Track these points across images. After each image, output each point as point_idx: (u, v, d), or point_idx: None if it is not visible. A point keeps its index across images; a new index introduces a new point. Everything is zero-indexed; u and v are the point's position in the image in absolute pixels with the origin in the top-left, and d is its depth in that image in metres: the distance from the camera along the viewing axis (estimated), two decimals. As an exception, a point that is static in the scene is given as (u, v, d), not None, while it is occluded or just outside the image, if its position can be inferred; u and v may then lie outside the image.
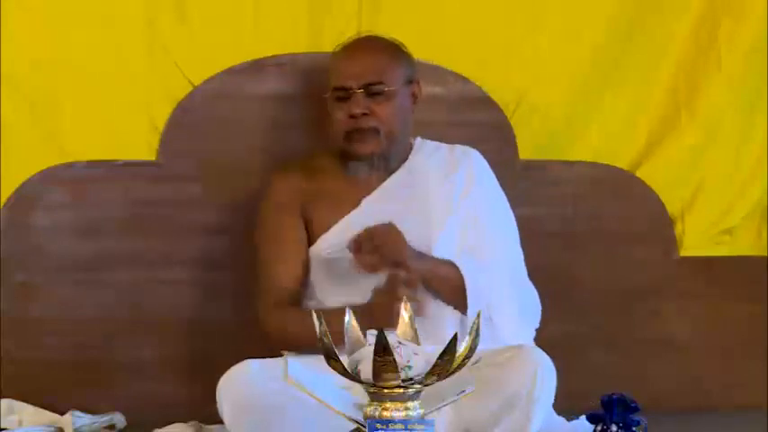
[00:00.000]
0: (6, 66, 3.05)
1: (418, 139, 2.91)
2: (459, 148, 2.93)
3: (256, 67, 3.12)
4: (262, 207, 2.87)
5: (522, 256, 2.88)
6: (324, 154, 2.90)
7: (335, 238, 2.76)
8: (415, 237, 2.73)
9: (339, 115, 2.79)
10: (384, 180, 2.83)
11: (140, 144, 3.12)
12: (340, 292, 2.72)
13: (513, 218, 2.91)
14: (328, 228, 2.78)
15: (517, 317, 2.76)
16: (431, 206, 2.80)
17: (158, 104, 3.11)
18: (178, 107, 3.10)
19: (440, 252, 2.75)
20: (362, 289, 2.68)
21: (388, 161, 2.83)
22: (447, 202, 2.81)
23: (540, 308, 2.84)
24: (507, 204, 2.92)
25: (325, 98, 2.83)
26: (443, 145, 2.92)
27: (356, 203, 2.80)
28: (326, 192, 2.83)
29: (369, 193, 2.81)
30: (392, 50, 2.85)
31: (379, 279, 2.67)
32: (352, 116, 2.77)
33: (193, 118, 3.11)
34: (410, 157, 2.87)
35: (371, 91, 2.78)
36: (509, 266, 2.84)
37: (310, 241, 2.81)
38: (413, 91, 2.85)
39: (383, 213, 2.76)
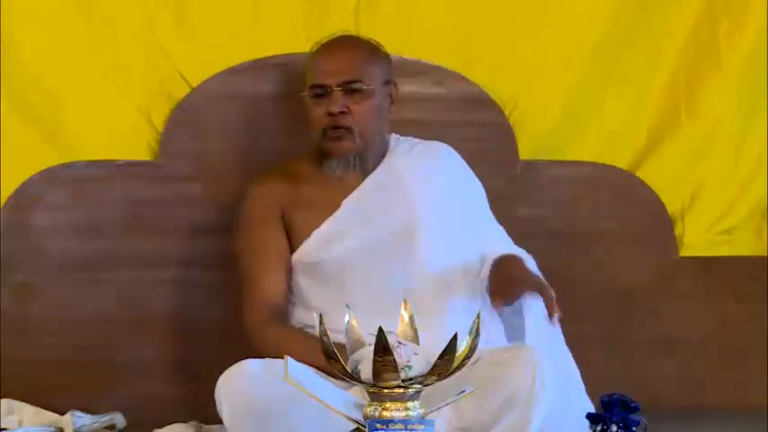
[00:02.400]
0: (6, 66, 3.05)
1: (393, 137, 2.91)
2: (432, 144, 2.92)
3: (255, 67, 3.12)
4: (241, 220, 2.86)
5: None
6: (301, 158, 2.89)
7: (318, 242, 2.76)
8: (397, 236, 2.75)
9: (317, 113, 2.78)
10: (360, 180, 2.82)
11: (140, 144, 3.12)
12: (324, 294, 2.73)
13: (488, 206, 2.93)
14: (310, 232, 2.78)
15: None
16: (412, 205, 2.80)
17: (158, 104, 3.11)
18: (178, 107, 3.10)
19: (424, 251, 2.76)
20: (347, 291, 2.69)
21: (365, 161, 2.81)
22: (429, 200, 2.81)
23: None
24: (485, 197, 2.93)
25: (303, 96, 2.83)
26: (417, 141, 2.92)
27: (336, 205, 2.79)
28: (305, 196, 2.82)
29: (348, 194, 2.80)
30: (371, 50, 2.85)
31: (369, 284, 2.70)
32: (330, 114, 2.76)
33: (193, 118, 3.11)
34: (387, 155, 2.86)
35: (350, 89, 2.77)
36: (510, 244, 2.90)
37: (292, 247, 2.80)
38: (390, 92, 2.85)
39: (363, 213, 2.77)
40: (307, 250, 2.77)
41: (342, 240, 2.76)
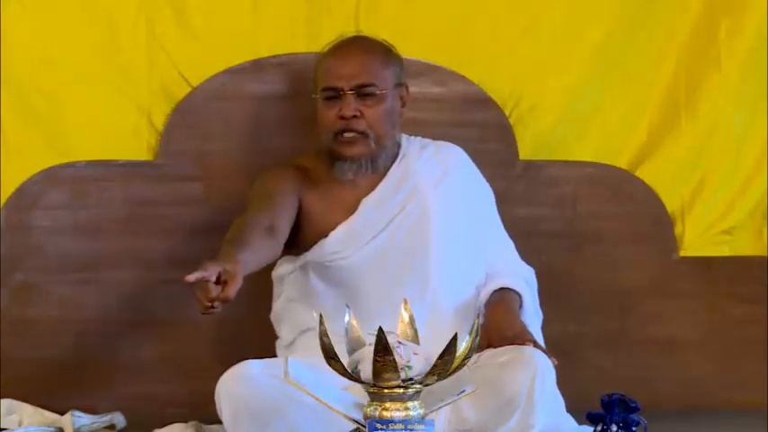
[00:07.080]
0: (6, 66, 3.05)
1: (404, 137, 2.89)
2: (443, 145, 2.91)
3: (256, 67, 3.12)
4: (256, 182, 2.82)
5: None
6: (308, 157, 2.87)
7: (336, 244, 2.75)
8: (413, 237, 2.75)
9: (328, 115, 2.77)
10: (375, 181, 2.80)
11: (140, 144, 3.12)
12: (339, 297, 2.71)
13: (496, 210, 2.93)
14: (326, 230, 2.77)
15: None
16: (426, 208, 2.79)
17: (158, 104, 3.11)
18: (178, 107, 3.11)
19: (438, 250, 2.76)
20: (362, 295, 2.68)
21: (376, 163, 2.80)
22: (441, 203, 2.81)
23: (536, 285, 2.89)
24: (494, 200, 2.93)
25: (315, 98, 2.82)
26: (428, 141, 2.91)
27: (350, 207, 2.78)
28: (320, 193, 2.80)
29: (361, 195, 2.79)
30: (383, 52, 2.84)
31: (382, 291, 2.69)
32: (343, 117, 2.75)
33: (193, 118, 3.11)
34: (399, 157, 2.85)
35: (362, 92, 2.76)
36: (513, 258, 2.89)
37: (306, 241, 2.78)
38: (401, 94, 2.84)
39: (381, 216, 2.76)
40: (323, 250, 2.75)
41: (359, 245, 2.75)
